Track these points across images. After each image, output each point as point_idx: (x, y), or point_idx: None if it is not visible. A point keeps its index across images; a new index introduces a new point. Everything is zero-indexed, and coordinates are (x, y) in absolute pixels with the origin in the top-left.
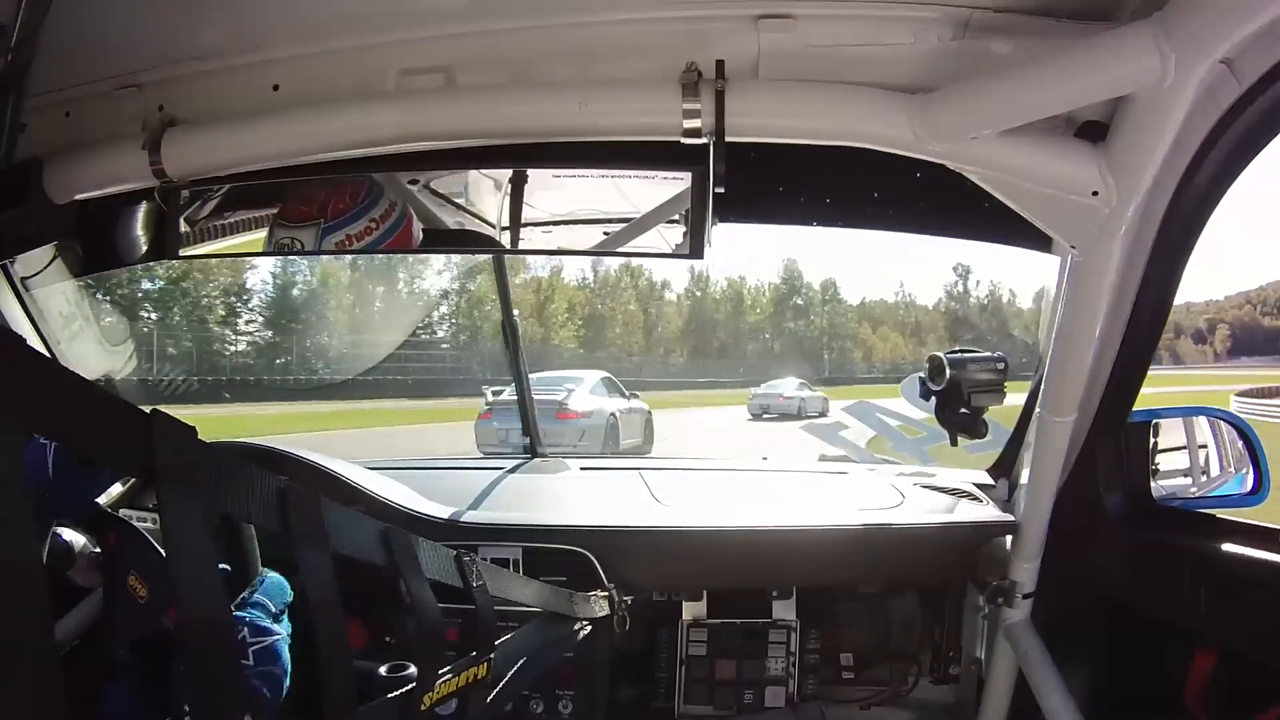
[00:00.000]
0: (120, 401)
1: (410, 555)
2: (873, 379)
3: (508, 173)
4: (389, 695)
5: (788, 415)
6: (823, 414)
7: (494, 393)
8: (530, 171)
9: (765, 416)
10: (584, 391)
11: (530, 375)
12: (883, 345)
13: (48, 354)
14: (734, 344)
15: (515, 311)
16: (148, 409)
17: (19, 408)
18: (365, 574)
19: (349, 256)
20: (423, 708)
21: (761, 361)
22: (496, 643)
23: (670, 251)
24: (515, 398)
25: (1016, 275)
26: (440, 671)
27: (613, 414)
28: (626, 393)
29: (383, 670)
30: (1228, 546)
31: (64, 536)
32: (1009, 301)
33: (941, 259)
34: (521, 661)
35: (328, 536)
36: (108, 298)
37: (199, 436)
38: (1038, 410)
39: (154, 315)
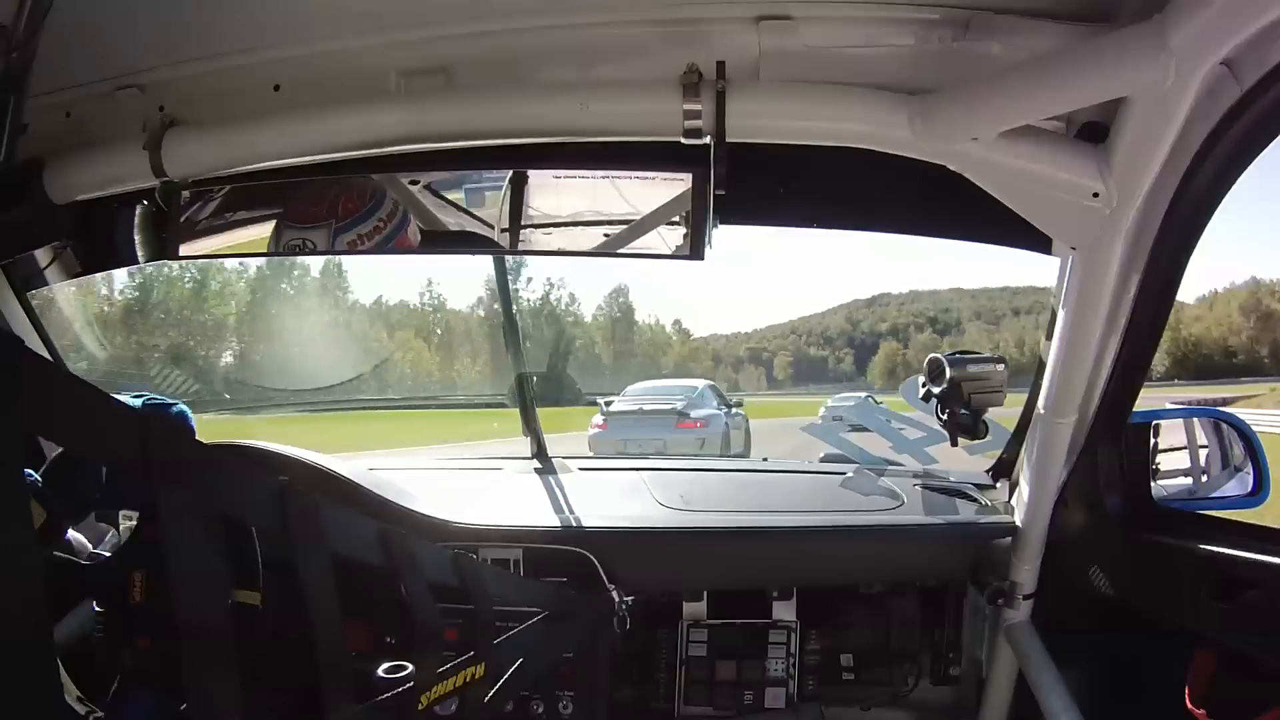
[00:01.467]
0: (116, 402)
1: (408, 555)
2: (390, 404)
3: (508, 173)
4: (386, 695)
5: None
6: None
7: (607, 404)
8: (531, 172)
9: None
10: (698, 400)
11: (643, 383)
12: (404, 357)
13: (48, 355)
14: (183, 347)
15: (515, 310)
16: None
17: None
18: (367, 575)
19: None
20: (420, 707)
21: (226, 376)
22: (495, 642)
23: (671, 253)
24: (628, 409)
25: (583, 278)
26: (437, 671)
27: (726, 422)
28: (730, 400)
29: (380, 670)
30: (1228, 547)
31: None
32: (568, 306)
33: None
34: (520, 661)
35: (325, 536)
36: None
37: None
38: (1038, 411)
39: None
